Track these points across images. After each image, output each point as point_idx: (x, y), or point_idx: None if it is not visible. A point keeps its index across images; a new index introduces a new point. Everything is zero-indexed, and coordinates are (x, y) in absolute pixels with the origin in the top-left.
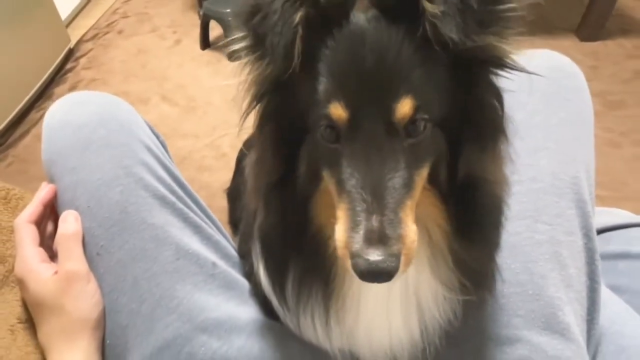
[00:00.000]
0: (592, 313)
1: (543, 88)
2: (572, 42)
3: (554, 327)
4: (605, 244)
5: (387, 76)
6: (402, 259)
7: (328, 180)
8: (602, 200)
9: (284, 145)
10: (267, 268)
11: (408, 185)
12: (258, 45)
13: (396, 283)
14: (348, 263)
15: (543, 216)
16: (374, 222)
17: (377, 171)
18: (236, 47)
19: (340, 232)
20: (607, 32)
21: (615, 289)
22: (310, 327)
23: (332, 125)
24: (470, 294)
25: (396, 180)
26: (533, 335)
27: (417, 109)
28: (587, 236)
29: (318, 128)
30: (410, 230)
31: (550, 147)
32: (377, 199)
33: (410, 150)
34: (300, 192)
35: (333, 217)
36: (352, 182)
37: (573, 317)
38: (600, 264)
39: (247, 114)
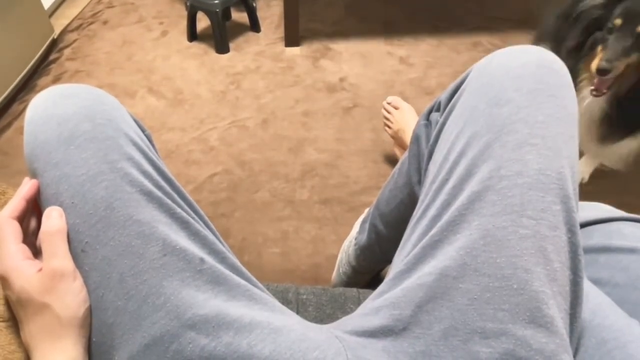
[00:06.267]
0: (575, 307)
1: (530, 84)
2: None
3: (539, 320)
4: (587, 238)
5: None
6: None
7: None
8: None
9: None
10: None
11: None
12: None
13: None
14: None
15: (528, 211)
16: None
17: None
18: None
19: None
20: None
21: (596, 282)
22: None
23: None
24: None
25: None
26: (518, 328)
27: None
28: (571, 231)
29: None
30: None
31: (536, 142)
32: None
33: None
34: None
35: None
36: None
37: (557, 310)
38: (584, 258)
39: None
